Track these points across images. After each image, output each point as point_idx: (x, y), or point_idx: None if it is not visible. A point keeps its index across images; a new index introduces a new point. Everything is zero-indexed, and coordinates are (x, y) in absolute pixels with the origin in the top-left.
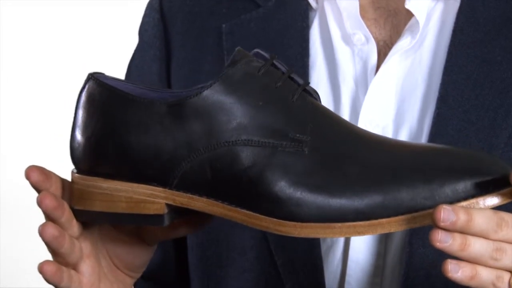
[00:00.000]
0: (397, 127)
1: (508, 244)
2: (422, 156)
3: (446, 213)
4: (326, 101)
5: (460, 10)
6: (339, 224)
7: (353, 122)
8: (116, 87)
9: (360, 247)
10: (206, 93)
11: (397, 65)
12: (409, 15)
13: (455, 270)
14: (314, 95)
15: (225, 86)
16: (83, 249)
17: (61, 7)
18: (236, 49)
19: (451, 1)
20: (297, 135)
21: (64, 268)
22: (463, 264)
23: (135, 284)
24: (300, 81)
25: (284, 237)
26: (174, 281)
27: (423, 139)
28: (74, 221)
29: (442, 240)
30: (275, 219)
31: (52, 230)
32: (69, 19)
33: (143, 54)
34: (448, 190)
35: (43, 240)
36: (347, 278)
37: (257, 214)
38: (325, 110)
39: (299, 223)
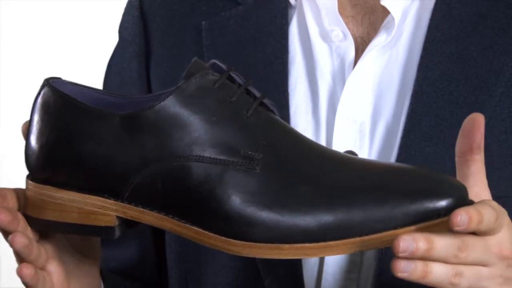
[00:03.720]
0: (374, 123)
1: (465, 266)
2: (376, 178)
3: (405, 243)
4: (304, 97)
5: (435, 7)
6: (287, 246)
7: (330, 119)
8: (70, 95)
9: None
10: (159, 106)
11: (374, 61)
12: (386, 12)
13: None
14: (271, 107)
15: (178, 100)
16: (47, 251)
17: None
18: (193, 60)
19: None
20: (249, 152)
21: (39, 270)
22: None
23: (115, 283)
24: (257, 93)
25: None
26: (153, 278)
27: (399, 135)
28: (29, 229)
29: (403, 269)
30: (224, 238)
31: (22, 239)
32: (64, 20)
33: (122, 51)
34: (399, 213)
35: (15, 249)
36: (324, 274)
37: (207, 232)
38: (280, 126)
39: (248, 243)
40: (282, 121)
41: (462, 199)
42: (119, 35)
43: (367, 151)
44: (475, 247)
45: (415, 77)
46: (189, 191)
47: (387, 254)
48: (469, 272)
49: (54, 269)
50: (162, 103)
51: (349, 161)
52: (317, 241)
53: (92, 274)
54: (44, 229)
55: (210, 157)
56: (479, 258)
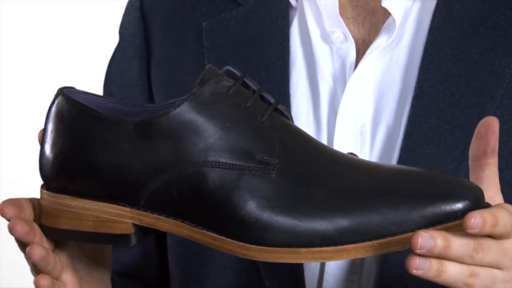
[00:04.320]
0: (375, 125)
1: (481, 267)
2: (391, 180)
3: (423, 240)
4: (305, 98)
5: (436, 9)
6: (305, 250)
7: (331, 121)
8: (84, 103)
9: None
10: (174, 113)
11: (375, 63)
12: (387, 14)
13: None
14: (285, 113)
15: (193, 106)
16: (61, 261)
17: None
18: (207, 67)
19: (428, 1)
20: (265, 157)
21: (55, 281)
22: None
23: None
24: (271, 99)
25: None
26: (156, 279)
27: (400, 137)
28: (45, 238)
29: (419, 267)
30: (240, 243)
31: (40, 250)
32: (64, 20)
33: (123, 52)
34: (416, 216)
35: (32, 261)
36: (325, 275)
37: (223, 237)
38: (295, 131)
39: (264, 248)
40: (296, 126)
41: (478, 202)
42: (120, 36)
43: (368, 153)
44: (490, 250)
45: (416, 79)
46: (204, 197)
47: (388, 256)
48: (484, 273)
49: (69, 278)
50: (177, 110)
51: (363, 164)
52: (335, 244)
53: (103, 280)
54: (60, 238)
55: (225, 163)
56: (494, 261)
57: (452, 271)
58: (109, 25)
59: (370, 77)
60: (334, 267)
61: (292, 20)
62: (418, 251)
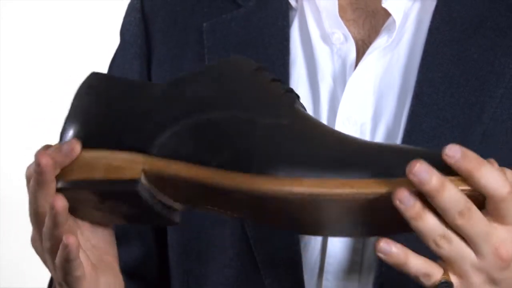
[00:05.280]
0: (375, 124)
1: (456, 236)
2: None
3: (422, 168)
4: (305, 99)
5: (436, 9)
6: (307, 179)
7: (331, 120)
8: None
9: (338, 243)
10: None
11: (375, 63)
12: (387, 15)
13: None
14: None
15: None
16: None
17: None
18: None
19: (428, 1)
20: (276, 113)
21: None
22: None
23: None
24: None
25: (264, 232)
26: (156, 278)
27: (399, 136)
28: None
29: (403, 200)
30: (248, 174)
31: (63, 201)
32: (65, 21)
33: (124, 53)
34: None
35: (56, 211)
36: (325, 274)
37: (230, 172)
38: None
39: (269, 178)
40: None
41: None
42: (121, 37)
43: None
44: (475, 223)
45: (416, 79)
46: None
47: None
48: (456, 243)
49: (83, 258)
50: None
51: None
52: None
53: (114, 270)
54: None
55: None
56: (473, 237)
57: (429, 221)
58: (110, 26)
59: (370, 76)
60: (334, 264)
61: (292, 21)
62: (411, 175)
